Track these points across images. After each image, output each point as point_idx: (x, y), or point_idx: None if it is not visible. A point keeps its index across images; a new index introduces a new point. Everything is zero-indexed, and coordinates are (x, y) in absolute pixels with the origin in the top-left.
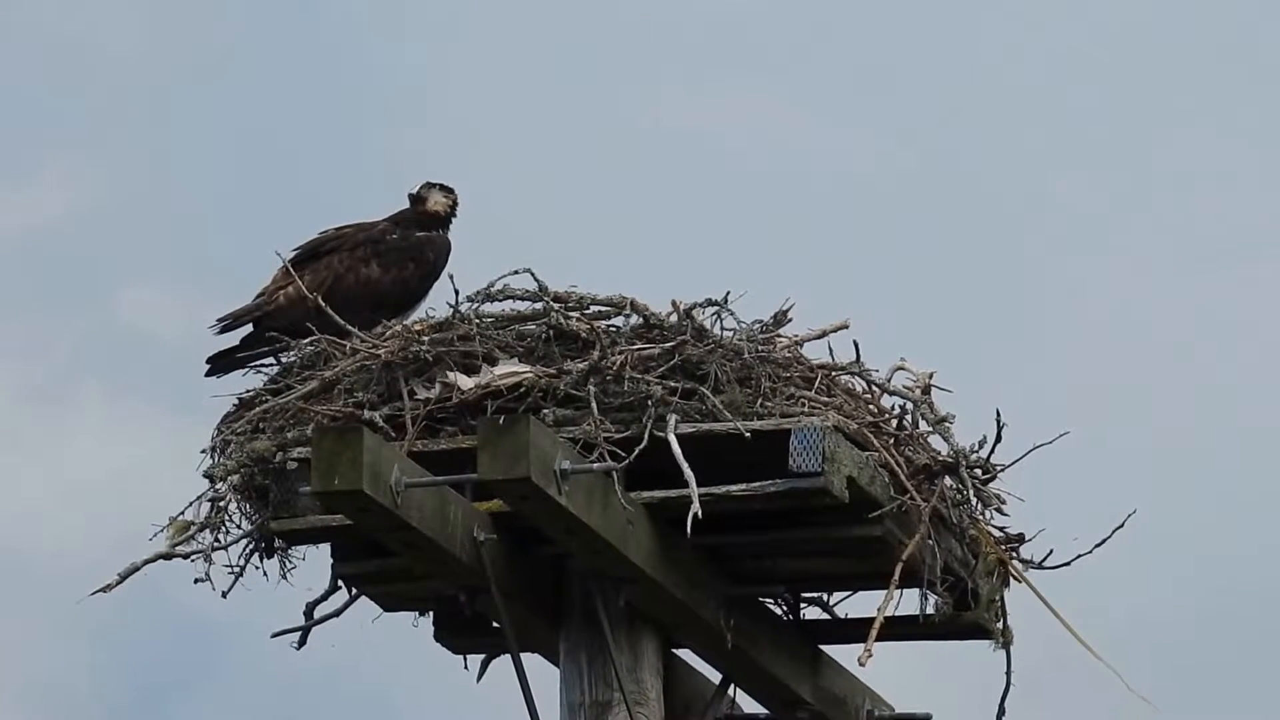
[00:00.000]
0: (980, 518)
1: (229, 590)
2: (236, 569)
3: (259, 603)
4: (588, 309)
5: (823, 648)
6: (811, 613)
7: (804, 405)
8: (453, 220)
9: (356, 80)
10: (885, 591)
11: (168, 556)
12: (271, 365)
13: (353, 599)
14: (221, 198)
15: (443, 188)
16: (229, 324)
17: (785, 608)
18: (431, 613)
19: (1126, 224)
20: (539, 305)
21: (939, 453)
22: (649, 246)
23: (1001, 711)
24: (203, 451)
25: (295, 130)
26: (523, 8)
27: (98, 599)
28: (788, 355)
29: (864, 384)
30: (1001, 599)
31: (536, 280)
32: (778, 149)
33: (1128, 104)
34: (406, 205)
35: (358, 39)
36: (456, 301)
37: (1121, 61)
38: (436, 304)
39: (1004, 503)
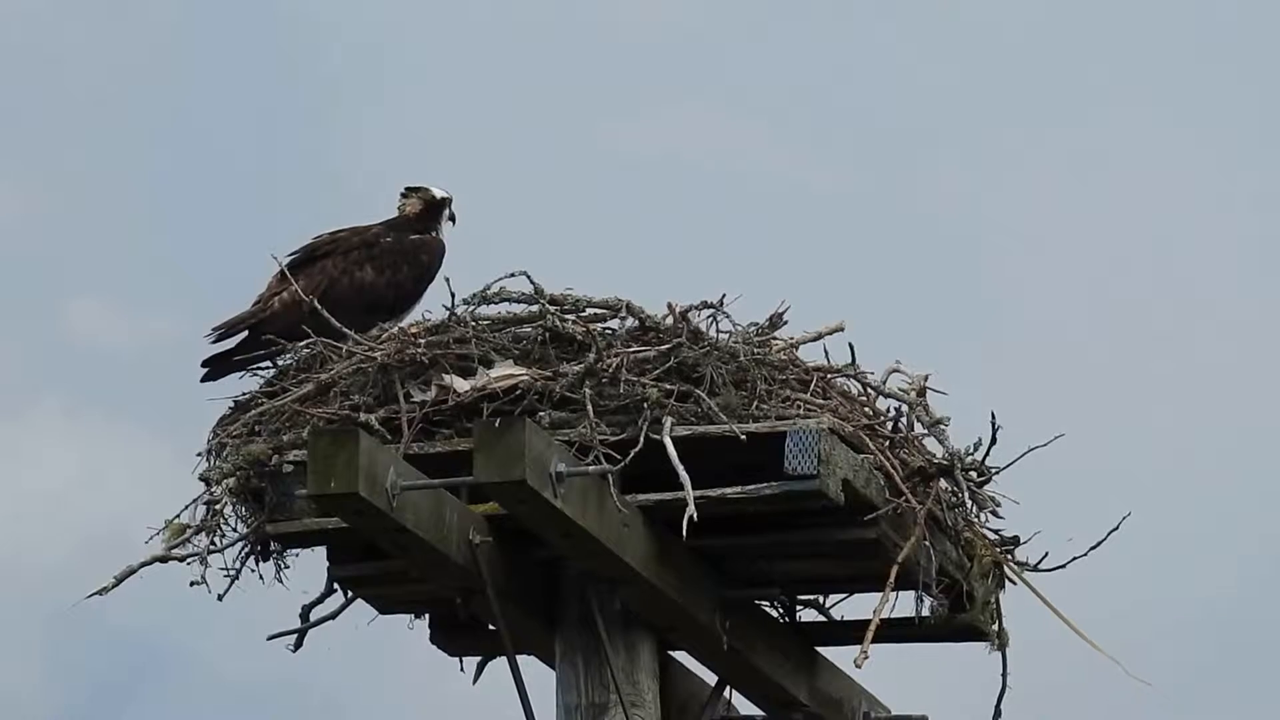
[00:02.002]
0: (975, 520)
1: (225, 593)
2: (232, 572)
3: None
4: (584, 311)
5: (819, 650)
6: (807, 615)
7: (799, 408)
8: (442, 220)
9: (311, 78)
10: (881, 594)
11: (164, 559)
12: (268, 368)
13: (348, 602)
14: (163, 203)
15: (408, 190)
16: (224, 332)
17: (781, 610)
18: (427, 615)
19: (1123, 225)
20: (535, 308)
21: (934, 455)
22: (645, 250)
23: (998, 713)
24: (198, 454)
25: (244, 133)
26: (503, 23)
27: (94, 601)
28: (783, 358)
29: (859, 386)
30: (997, 601)
31: (532, 283)
32: (768, 158)
33: (1126, 102)
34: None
35: (308, 36)
36: (452, 304)
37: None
38: (433, 306)
39: (999, 505)
